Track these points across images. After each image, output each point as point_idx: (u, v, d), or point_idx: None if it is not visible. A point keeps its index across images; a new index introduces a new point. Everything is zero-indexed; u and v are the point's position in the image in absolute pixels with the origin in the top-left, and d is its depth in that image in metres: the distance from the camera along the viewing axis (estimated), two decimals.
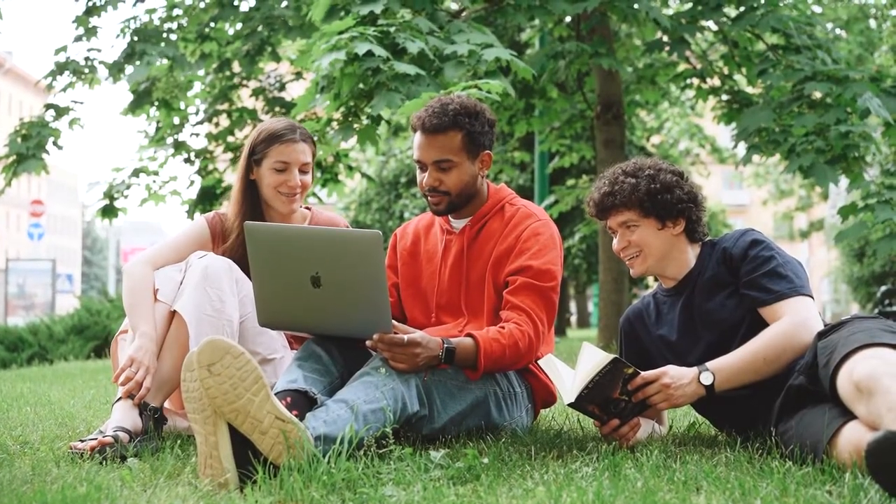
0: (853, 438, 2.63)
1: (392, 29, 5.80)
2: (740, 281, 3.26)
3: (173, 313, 3.49)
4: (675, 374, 3.11)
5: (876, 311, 15.89)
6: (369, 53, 5.55)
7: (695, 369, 3.10)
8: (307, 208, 3.96)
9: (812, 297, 3.21)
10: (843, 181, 7.36)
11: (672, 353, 3.38)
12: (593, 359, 3.06)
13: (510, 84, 6.07)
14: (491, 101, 5.47)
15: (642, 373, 3.11)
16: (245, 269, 3.60)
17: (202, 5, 9.49)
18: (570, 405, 3.07)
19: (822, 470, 2.61)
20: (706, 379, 3.08)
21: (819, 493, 2.38)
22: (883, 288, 15.50)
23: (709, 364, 3.12)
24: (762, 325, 3.18)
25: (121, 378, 3.34)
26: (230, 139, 9.89)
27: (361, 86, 5.89)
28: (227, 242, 3.77)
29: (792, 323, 3.11)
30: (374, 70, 5.70)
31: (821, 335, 3.00)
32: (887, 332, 2.82)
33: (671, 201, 3.32)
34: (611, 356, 3.03)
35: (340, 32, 5.66)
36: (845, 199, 22.86)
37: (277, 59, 9.68)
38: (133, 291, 3.53)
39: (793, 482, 2.49)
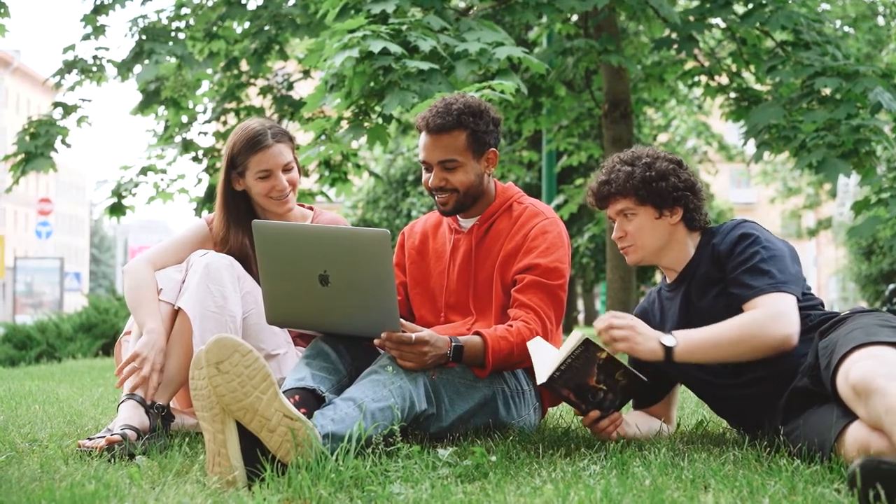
0: (859, 437, 2.63)
1: (404, 27, 5.80)
2: (727, 278, 3.25)
3: (176, 312, 3.50)
4: (645, 327, 3.12)
5: (884, 309, 15.84)
6: (384, 51, 5.54)
7: (660, 333, 3.11)
8: (310, 208, 3.95)
9: (795, 294, 3.13)
10: (853, 178, 7.34)
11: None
12: (570, 341, 3.06)
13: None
14: (501, 100, 5.46)
15: (615, 317, 3.12)
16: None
17: (210, 4, 9.49)
18: (541, 386, 3.09)
19: (830, 468, 2.61)
20: (668, 341, 3.07)
21: (827, 491, 2.38)
22: (891, 286, 15.44)
23: (676, 331, 3.12)
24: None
25: (123, 372, 3.35)
26: None
27: (372, 84, 5.88)
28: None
29: (764, 314, 3.07)
30: (386, 68, 5.69)
31: (822, 334, 2.99)
32: (885, 326, 2.82)
33: (667, 189, 3.29)
34: (583, 337, 3.03)
35: (352, 31, 5.66)
36: (856, 195, 22.80)
37: (285, 57, 9.68)
38: (136, 289, 3.53)
39: (801, 480, 2.49)
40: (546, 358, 3.15)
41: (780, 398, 3.07)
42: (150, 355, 3.37)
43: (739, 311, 3.16)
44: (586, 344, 3.04)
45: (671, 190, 3.30)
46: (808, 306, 3.21)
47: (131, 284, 3.56)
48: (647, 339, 3.09)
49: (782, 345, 3.02)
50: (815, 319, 3.16)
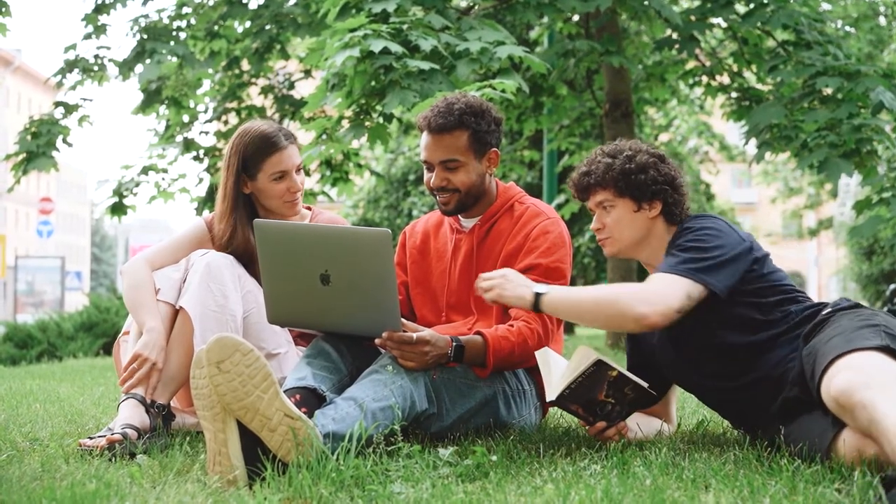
0: (852, 443, 2.64)
1: (405, 27, 5.79)
2: None
3: (175, 311, 3.50)
4: (519, 277, 3.15)
5: (885, 309, 15.84)
6: (385, 50, 5.54)
7: (536, 283, 3.15)
8: (308, 208, 3.95)
9: (695, 280, 3.06)
10: (854, 177, 7.34)
11: (661, 350, 3.35)
12: (581, 360, 3.06)
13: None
14: (502, 99, 5.46)
15: (490, 273, 3.15)
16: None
17: (211, 3, 9.49)
18: (551, 403, 3.09)
19: (830, 468, 2.61)
20: (540, 288, 3.10)
21: (828, 491, 2.38)
22: (892, 286, 15.43)
23: (553, 286, 3.17)
24: (707, 321, 3.16)
25: (125, 374, 3.36)
26: None
27: (373, 83, 5.88)
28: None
29: (637, 288, 3.10)
30: (387, 68, 5.69)
31: (806, 338, 2.97)
32: (865, 326, 2.81)
33: (645, 182, 3.27)
34: (595, 358, 3.03)
35: (353, 30, 5.65)
36: (857, 195, 22.77)
37: (286, 56, 9.68)
38: (135, 289, 3.53)
39: (801, 480, 2.49)
40: (555, 370, 3.15)
41: (774, 402, 3.06)
42: (152, 355, 3.37)
43: (702, 309, 3.14)
44: (598, 364, 3.03)
45: (650, 183, 3.28)
46: (786, 299, 3.17)
47: (130, 284, 3.56)
48: (517, 287, 3.11)
49: (638, 321, 3.01)
50: (798, 317, 3.13)
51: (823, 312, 3.06)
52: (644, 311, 3.00)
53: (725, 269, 3.10)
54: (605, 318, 3.08)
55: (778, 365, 3.07)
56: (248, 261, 3.63)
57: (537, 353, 3.24)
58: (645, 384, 3.15)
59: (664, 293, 3.03)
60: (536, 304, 3.08)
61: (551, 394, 3.09)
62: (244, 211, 3.74)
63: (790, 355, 3.05)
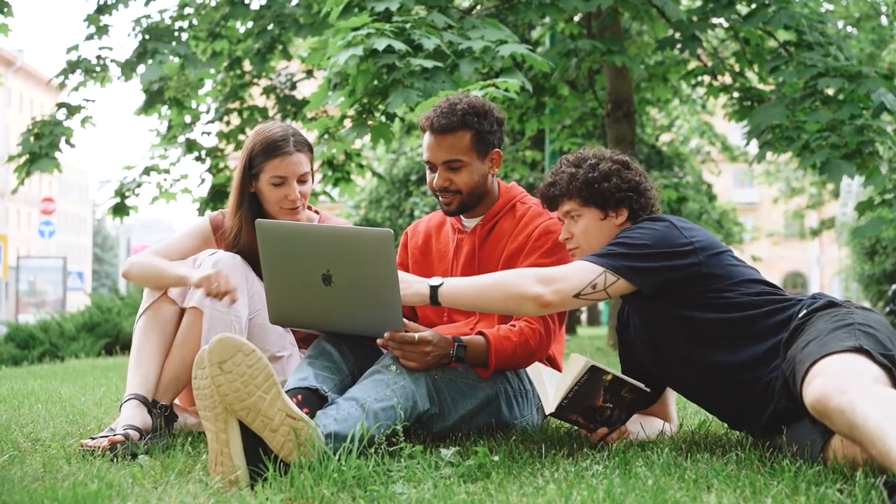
0: (842, 449, 2.63)
1: (408, 25, 5.79)
2: None
3: (180, 311, 3.50)
4: (412, 276, 3.18)
5: (887, 309, 15.83)
6: (388, 49, 5.54)
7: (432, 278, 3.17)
8: (315, 211, 3.93)
9: (609, 268, 3.07)
10: (857, 177, 7.34)
11: (643, 352, 3.35)
12: (574, 368, 3.06)
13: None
14: (504, 98, 5.46)
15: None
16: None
17: (213, 3, 9.50)
18: (551, 415, 3.09)
19: (832, 469, 2.61)
20: (435, 281, 3.12)
21: (830, 491, 2.38)
22: (894, 286, 15.44)
23: (448, 277, 3.20)
24: (665, 319, 3.17)
25: (210, 290, 3.41)
26: (241, 137, 9.90)
27: (376, 83, 5.88)
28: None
29: (538, 269, 3.11)
30: (390, 67, 5.69)
31: (786, 345, 2.96)
32: (839, 328, 2.80)
33: (609, 189, 3.26)
34: (588, 364, 3.03)
35: (355, 29, 5.65)
36: (858, 195, 22.75)
37: (288, 57, 9.69)
38: (151, 268, 3.55)
39: (803, 481, 2.49)
40: (549, 383, 3.16)
41: (763, 412, 3.04)
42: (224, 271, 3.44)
43: (677, 314, 3.15)
44: (592, 370, 3.04)
45: (614, 191, 3.27)
46: (746, 293, 3.13)
47: (142, 267, 3.55)
48: (411, 285, 3.12)
49: (534, 301, 3.03)
50: (766, 313, 3.09)
51: (799, 316, 3.02)
52: (539, 291, 3.02)
53: (648, 265, 3.10)
54: (504, 300, 3.08)
55: (756, 367, 3.04)
56: (255, 259, 3.63)
57: (529, 370, 3.25)
58: (640, 384, 3.15)
59: (566, 276, 3.06)
60: (434, 297, 3.11)
61: (549, 406, 3.09)
62: (249, 210, 3.73)
63: (773, 362, 3.03)
